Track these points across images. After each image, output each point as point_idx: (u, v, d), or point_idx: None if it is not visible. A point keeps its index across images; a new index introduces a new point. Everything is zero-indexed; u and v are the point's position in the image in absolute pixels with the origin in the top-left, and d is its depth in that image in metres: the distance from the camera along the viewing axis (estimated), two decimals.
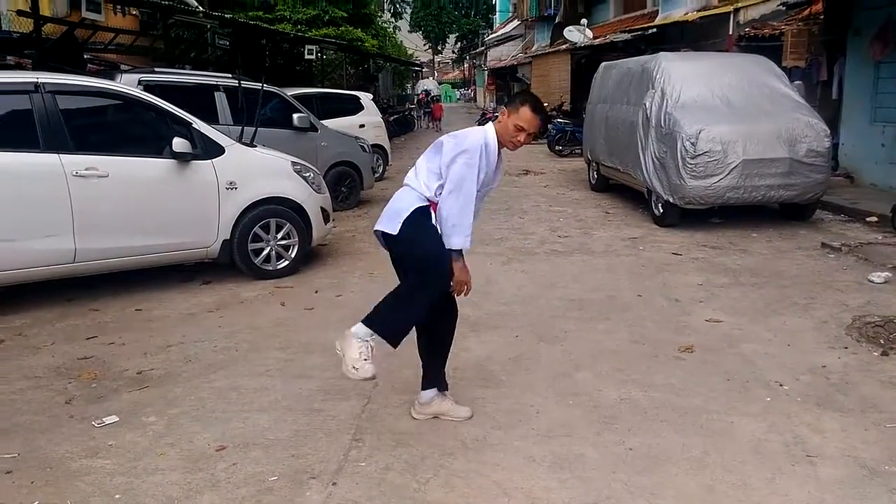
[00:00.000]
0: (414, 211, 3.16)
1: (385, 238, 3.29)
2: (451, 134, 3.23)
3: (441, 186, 3.16)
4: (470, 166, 3.11)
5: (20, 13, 9.24)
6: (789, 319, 5.02)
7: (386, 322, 3.13)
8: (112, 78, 7.18)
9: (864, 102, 10.41)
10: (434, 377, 3.54)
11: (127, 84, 6.64)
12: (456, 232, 3.13)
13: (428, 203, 3.19)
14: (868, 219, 8.34)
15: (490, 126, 3.28)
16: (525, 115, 3.18)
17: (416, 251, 3.16)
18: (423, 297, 3.15)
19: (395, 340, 3.17)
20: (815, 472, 3.03)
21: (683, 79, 8.57)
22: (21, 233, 5.07)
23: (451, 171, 3.12)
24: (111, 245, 5.46)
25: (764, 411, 3.61)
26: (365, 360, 3.08)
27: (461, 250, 3.18)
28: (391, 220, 3.20)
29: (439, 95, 45.61)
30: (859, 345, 4.51)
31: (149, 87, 7.24)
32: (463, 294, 3.30)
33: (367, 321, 3.11)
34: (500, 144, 3.27)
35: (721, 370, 4.14)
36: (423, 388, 3.54)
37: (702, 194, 7.79)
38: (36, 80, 5.25)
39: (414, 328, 3.35)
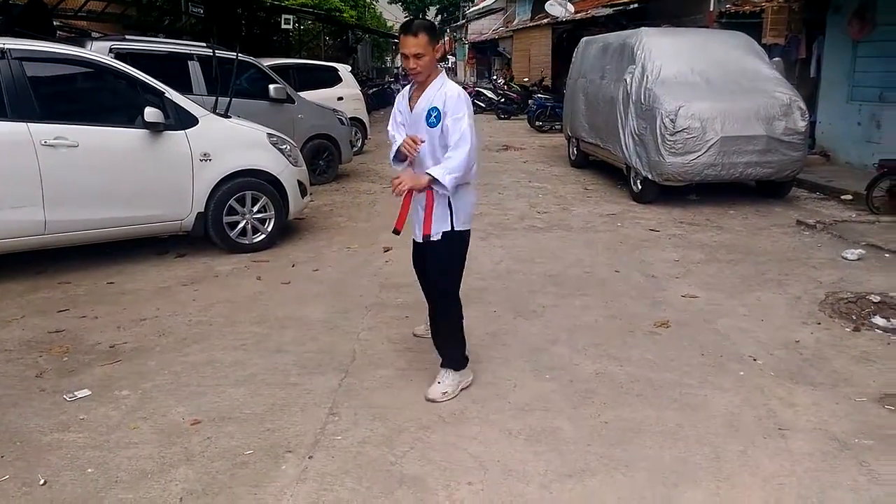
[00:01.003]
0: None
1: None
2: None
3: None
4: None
5: None
6: (764, 295, 5.08)
7: (457, 357, 3.60)
8: (82, 45, 6.97)
9: (842, 81, 10.47)
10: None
11: (98, 52, 6.46)
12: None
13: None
14: (843, 197, 8.43)
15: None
16: (400, 42, 3.26)
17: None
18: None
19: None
20: (786, 445, 3.08)
21: (664, 55, 8.54)
22: None
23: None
24: (82, 217, 5.35)
25: (737, 385, 3.65)
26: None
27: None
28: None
29: None
30: (832, 320, 4.57)
31: (120, 55, 7.06)
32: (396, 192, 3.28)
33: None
34: (420, 88, 3.33)
35: (696, 345, 4.18)
36: None
37: (680, 171, 7.81)
38: (2, 45, 5.07)
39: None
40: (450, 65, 53.89)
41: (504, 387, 3.62)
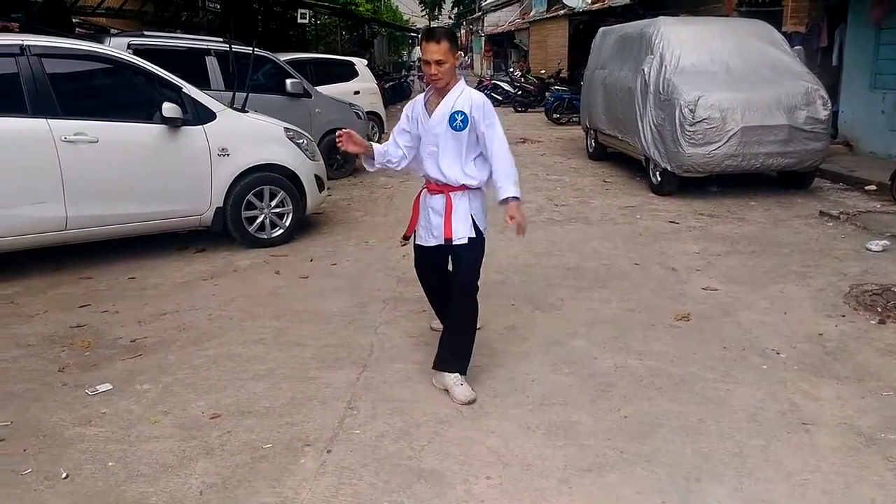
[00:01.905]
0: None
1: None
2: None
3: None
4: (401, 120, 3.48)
5: None
6: (786, 287, 5.00)
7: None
8: (101, 42, 7.01)
9: (865, 69, 10.28)
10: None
11: (116, 48, 6.49)
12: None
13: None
14: (867, 187, 8.29)
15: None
16: (422, 48, 3.27)
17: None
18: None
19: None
20: (810, 440, 3.03)
21: (683, 44, 8.44)
22: (10, 200, 5.01)
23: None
24: (103, 212, 5.39)
25: (760, 379, 3.60)
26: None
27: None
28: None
29: None
30: (856, 313, 4.50)
31: (138, 50, 7.11)
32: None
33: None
34: (439, 94, 3.34)
35: (717, 338, 4.13)
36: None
37: (700, 162, 7.72)
38: (21, 42, 5.12)
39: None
40: (467, 61, 53.81)
41: (522, 381, 3.60)
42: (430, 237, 3.46)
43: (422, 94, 3.48)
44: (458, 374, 3.42)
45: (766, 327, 4.29)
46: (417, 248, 3.61)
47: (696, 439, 3.04)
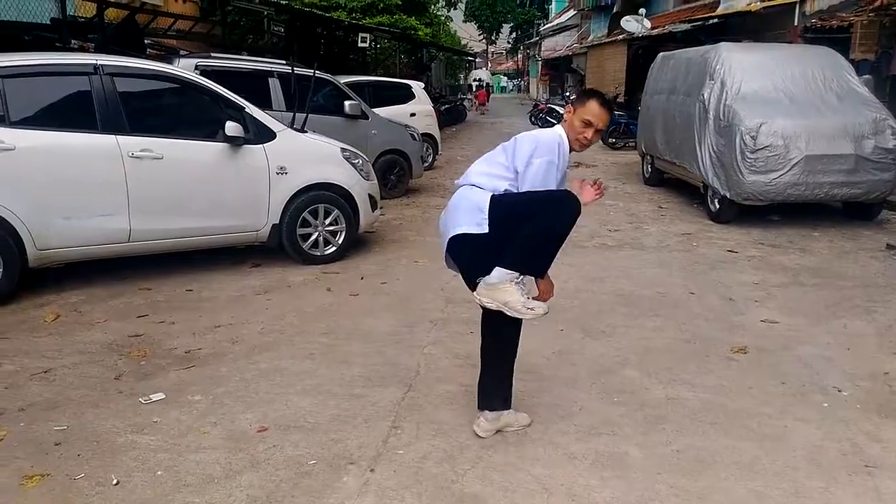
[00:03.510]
0: (492, 201, 2.91)
1: (464, 242, 2.97)
2: (523, 134, 3.05)
3: (509, 190, 2.95)
4: (550, 165, 2.90)
5: None
6: (850, 323, 4.80)
7: (529, 261, 2.94)
8: (170, 62, 7.30)
9: None
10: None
11: (184, 68, 6.74)
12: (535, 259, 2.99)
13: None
14: None
15: (559, 128, 3.08)
16: (592, 108, 2.98)
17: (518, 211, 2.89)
18: (556, 228, 2.90)
19: (543, 271, 3.09)
20: (873, 484, 2.88)
21: (745, 70, 8.28)
22: (79, 211, 5.21)
23: (528, 173, 2.90)
24: (164, 226, 5.56)
25: (820, 417, 3.45)
26: (529, 298, 2.91)
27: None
28: (470, 220, 2.93)
29: (488, 84, 47.25)
30: None
31: (205, 71, 7.35)
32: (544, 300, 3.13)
33: (511, 265, 2.89)
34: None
35: (776, 373, 3.98)
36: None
37: (761, 190, 7.52)
38: (95, 62, 5.36)
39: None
40: (523, 82, 54.06)
41: (569, 408, 3.53)
42: None
43: (565, 144, 3.03)
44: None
45: (827, 363, 4.12)
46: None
47: (751, 478, 2.92)
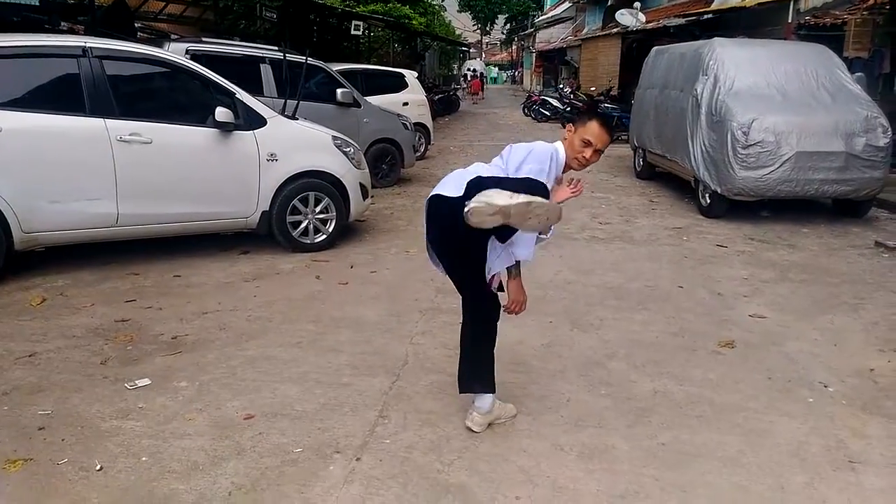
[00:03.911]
0: (478, 176, 2.91)
1: (439, 203, 2.98)
2: (519, 143, 3.05)
3: None
4: (540, 173, 2.91)
5: None
6: (837, 319, 4.83)
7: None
8: (160, 46, 7.22)
9: None
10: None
11: (174, 53, 6.68)
12: (522, 241, 2.98)
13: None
14: None
15: (559, 143, 3.09)
16: (593, 128, 3.00)
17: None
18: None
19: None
20: (856, 479, 2.90)
21: (738, 66, 8.29)
22: (66, 195, 5.16)
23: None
24: (153, 211, 5.52)
25: (805, 412, 3.47)
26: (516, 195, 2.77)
27: (518, 265, 3.07)
28: (453, 186, 2.93)
29: (482, 73, 47.74)
30: None
31: (196, 56, 7.27)
32: (515, 312, 3.15)
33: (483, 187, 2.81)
34: (565, 166, 3.08)
35: (762, 367, 4.00)
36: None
37: (752, 186, 7.54)
38: (84, 44, 5.30)
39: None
40: (516, 73, 54.06)
41: (557, 400, 3.54)
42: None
43: (561, 158, 3.06)
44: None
45: (814, 359, 4.14)
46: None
47: (735, 472, 2.94)
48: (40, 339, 4.14)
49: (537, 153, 2.96)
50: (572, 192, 3.10)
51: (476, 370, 3.20)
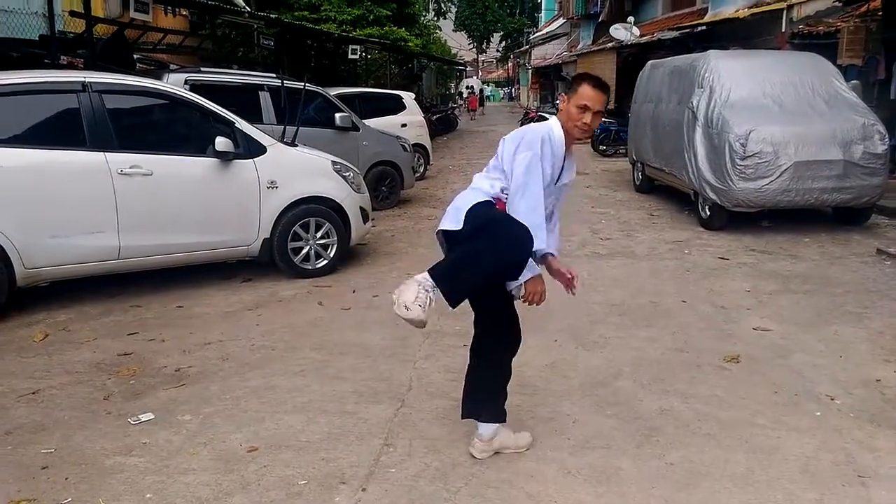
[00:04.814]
0: (475, 204, 2.92)
1: (447, 238, 3.06)
2: (511, 132, 3.05)
3: (505, 189, 2.96)
4: (533, 161, 2.87)
5: (73, 14, 9.48)
6: (842, 329, 4.80)
7: (449, 277, 2.85)
8: (159, 77, 7.29)
9: None
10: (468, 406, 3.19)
11: (174, 83, 6.74)
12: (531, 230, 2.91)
13: (493, 200, 2.98)
14: None
15: (553, 119, 3.07)
16: (586, 91, 2.94)
17: (483, 224, 2.87)
18: (490, 260, 2.79)
19: (454, 299, 2.90)
20: (867, 494, 2.87)
21: (733, 77, 8.33)
22: (67, 229, 5.18)
23: (514, 170, 2.90)
24: (154, 242, 5.54)
25: (813, 427, 3.44)
26: (420, 306, 2.77)
27: (534, 257, 2.98)
28: (453, 218, 2.97)
29: (482, 90, 49.14)
30: None
31: (195, 86, 7.34)
32: (536, 303, 3.03)
33: (432, 271, 2.85)
34: (569, 138, 3.04)
35: (768, 382, 3.97)
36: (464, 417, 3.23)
37: (751, 197, 7.55)
38: (83, 79, 5.35)
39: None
40: (513, 91, 54.42)
41: (563, 422, 3.52)
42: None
43: (556, 134, 3.02)
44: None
45: (820, 371, 4.11)
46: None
47: (745, 490, 2.91)
48: (43, 375, 4.13)
49: (528, 139, 2.94)
50: (566, 283, 3.18)
51: (484, 395, 3.13)
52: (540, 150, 2.91)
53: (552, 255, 3.17)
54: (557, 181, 3.07)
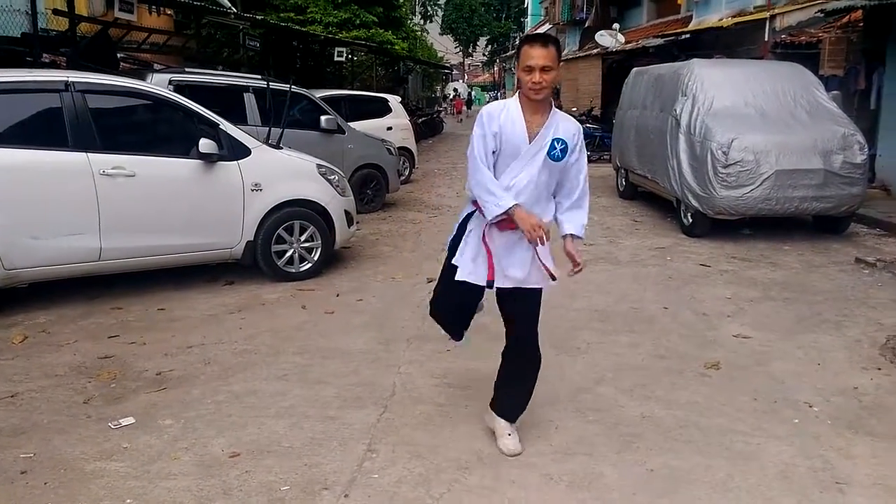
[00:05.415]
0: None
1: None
2: None
3: None
4: (475, 137, 3.05)
5: (56, 12, 9.38)
6: (820, 337, 4.87)
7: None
8: (143, 77, 7.23)
9: None
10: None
11: (158, 84, 6.70)
12: (481, 201, 3.02)
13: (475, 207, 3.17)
14: None
15: (511, 97, 3.13)
16: (525, 53, 2.94)
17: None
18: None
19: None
20: (844, 500, 2.92)
21: (716, 86, 8.41)
22: (48, 230, 5.12)
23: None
24: (136, 244, 5.49)
25: (792, 433, 3.49)
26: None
27: (514, 205, 2.97)
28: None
29: (463, 94, 50.57)
30: (894, 366, 4.35)
31: (179, 87, 7.29)
32: (538, 238, 3.02)
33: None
34: (530, 103, 3.01)
35: (748, 389, 4.02)
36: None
37: (733, 205, 7.63)
38: (66, 79, 5.29)
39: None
40: (498, 94, 54.72)
41: (545, 428, 3.54)
42: (503, 279, 3.15)
43: (501, 105, 3.09)
44: (510, 423, 3.32)
45: (798, 378, 4.17)
46: (463, 284, 3.16)
47: (725, 496, 2.94)
48: (22, 378, 4.09)
49: (475, 123, 3.12)
50: (574, 267, 3.29)
51: (523, 401, 3.36)
52: (480, 131, 3.05)
53: (574, 235, 3.26)
54: (560, 160, 3.06)
